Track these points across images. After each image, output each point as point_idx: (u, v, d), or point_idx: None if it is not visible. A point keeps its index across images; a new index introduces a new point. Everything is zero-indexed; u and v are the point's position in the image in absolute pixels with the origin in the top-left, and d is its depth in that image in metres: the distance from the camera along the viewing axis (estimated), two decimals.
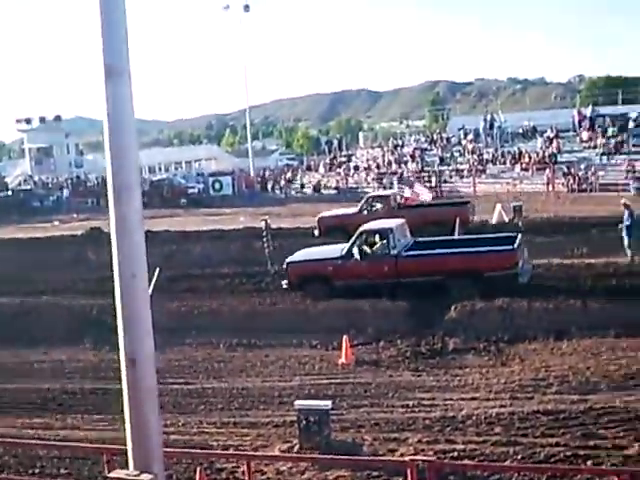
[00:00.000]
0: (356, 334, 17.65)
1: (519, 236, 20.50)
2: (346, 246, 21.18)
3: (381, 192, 34.92)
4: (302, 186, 52.59)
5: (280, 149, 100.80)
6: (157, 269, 6.58)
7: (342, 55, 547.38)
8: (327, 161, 57.79)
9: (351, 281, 20.42)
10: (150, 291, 5.95)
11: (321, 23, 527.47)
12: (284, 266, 21.51)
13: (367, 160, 54.20)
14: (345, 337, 16.55)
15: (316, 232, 28.80)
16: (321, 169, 56.15)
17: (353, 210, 30.09)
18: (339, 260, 20.89)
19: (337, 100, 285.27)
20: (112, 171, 5.82)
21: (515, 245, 19.73)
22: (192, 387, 15.29)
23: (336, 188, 49.42)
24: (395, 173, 47.73)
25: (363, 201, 30.40)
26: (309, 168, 59.55)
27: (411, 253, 20.88)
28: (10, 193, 57.55)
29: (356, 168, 52.74)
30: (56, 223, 42.44)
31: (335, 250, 21.55)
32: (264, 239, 24.81)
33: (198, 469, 10.08)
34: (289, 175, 55.94)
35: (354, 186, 48.82)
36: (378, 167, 51.04)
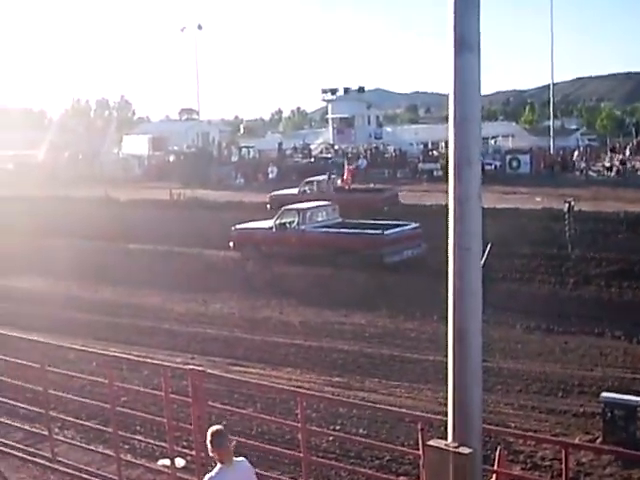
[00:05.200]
0: None
1: (410, 225, 24.53)
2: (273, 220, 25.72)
3: (315, 177, 37.49)
4: (609, 169, 49.83)
5: (581, 129, 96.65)
6: (489, 244, 6.52)
7: None
8: (634, 143, 54.62)
9: (273, 248, 25.07)
10: (482, 265, 5.93)
11: None
12: (232, 230, 26.08)
13: None
14: None
15: (268, 207, 33.26)
16: (627, 152, 53.18)
17: (294, 192, 34.88)
18: (266, 231, 25.53)
19: None
20: (455, 144, 5.83)
21: (386, 231, 23.53)
22: (488, 365, 14.99)
23: None
24: None
25: (301, 185, 35.66)
26: (613, 150, 56.58)
27: (312, 230, 25.00)
28: (312, 160, 60.23)
29: None
30: None
31: (268, 223, 25.80)
32: (566, 222, 24.00)
33: (498, 448, 9.95)
34: (590, 156, 53.45)
35: None
36: None
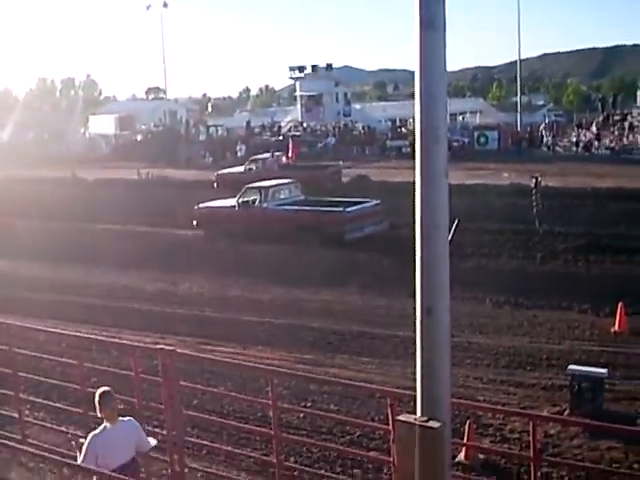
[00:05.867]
0: (631, 302, 16.75)
1: (368, 202, 24.87)
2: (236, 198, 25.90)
3: (259, 156, 38.52)
4: (576, 144, 50.20)
5: (548, 105, 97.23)
6: (456, 220, 6.56)
7: (614, 8, 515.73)
8: (600, 119, 55.04)
9: (236, 226, 24.96)
10: (449, 241, 5.97)
11: None
12: (195, 208, 26.29)
13: None
14: (620, 304, 15.81)
15: (215, 185, 34.53)
16: (593, 127, 53.60)
17: (241, 169, 36.15)
18: (229, 209, 25.74)
19: (610, 55, 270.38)
20: (421, 121, 5.83)
21: (347, 208, 23.88)
22: (457, 340, 15.08)
23: (610, 148, 46.98)
24: None
25: (247, 162, 36.75)
26: (580, 125, 56.97)
27: (274, 208, 25.28)
28: (281, 138, 60.04)
29: (631, 127, 49.86)
30: None
31: (231, 201, 26.01)
32: (533, 197, 24.20)
33: (468, 422, 10.11)
34: (556, 132, 53.85)
35: (629, 147, 46.20)
36: None
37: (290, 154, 42.14)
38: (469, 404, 9.89)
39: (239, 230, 24.83)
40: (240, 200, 25.71)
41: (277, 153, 39.32)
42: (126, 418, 7.46)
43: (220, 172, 36.76)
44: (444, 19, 5.76)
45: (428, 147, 5.82)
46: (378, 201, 25.04)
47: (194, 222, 26.08)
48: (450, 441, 6.10)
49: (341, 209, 24.08)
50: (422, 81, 5.77)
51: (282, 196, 26.26)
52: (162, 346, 8.86)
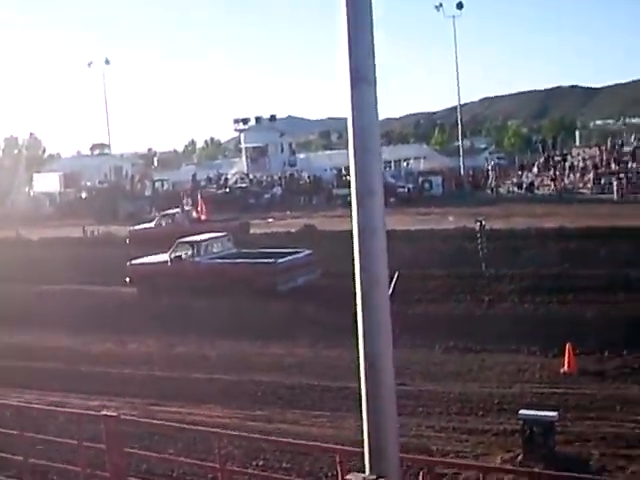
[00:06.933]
0: (577, 342, 16.91)
1: (303, 252, 25.02)
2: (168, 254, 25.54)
3: (169, 211, 38.85)
4: (519, 186, 50.97)
5: (490, 148, 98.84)
6: (396, 273, 6.53)
7: (553, 50, 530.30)
8: (541, 160, 56.14)
9: (170, 282, 24.70)
10: (390, 294, 5.92)
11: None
12: (127, 265, 26.07)
13: (583, 159, 52.18)
14: (568, 345, 15.93)
15: (127, 241, 34.93)
16: (534, 169, 54.64)
17: (152, 225, 36.57)
18: (161, 265, 25.42)
19: (548, 97, 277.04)
20: (356, 175, 5.79)
21: (279, 260, 24.04)
22: (408, 389, 15.06)
23: (551, 189, 47.85)
24: (613, 173, 45.64)
25: (157, 218, 37.29)
26: (522, 167, 58.03)
27: (207, 262, 25.12)
28: (228, 190, 60.01)
29: (572, 168, 50.92)
30: (270, 220, 43.81)
31: (163, 257, 25.74)
32: (478, 240, 24.43)
33: (421, 473, 9.96)
34: (499, 174, 54.68)
35: (569, 187, 47.13)
36: (596, 167, 48.95)
37: (200, 208, 42.11)
38: (418, 459, 9.77)
39: (172, 285, 24.66)
40: (172, 255, 25.59)
41: (187, 208, 39.80)
42: None
43: (132, 228, 37.22)
44: (374, 72, 5.79)
45: (364, 200, 5.80)
46: (310, 251, 25.30)
47: (127, 279, 25.90)
48: None
49: (272, 260, 24.23)
50: (355, 136, 5.77)
51: (215, 249, 26.26)
52: (105, 412, 8.60)
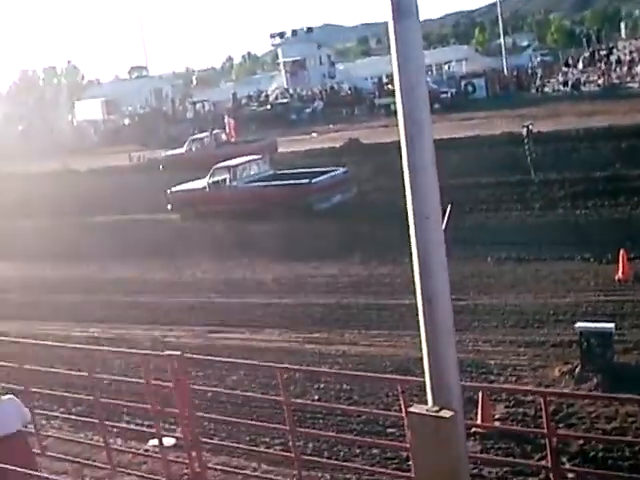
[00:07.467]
0: (632, 247, 16.69)
1: (338, 170, 24.95)
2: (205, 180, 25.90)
3: (198, 135, 38.96)
4: (565, 84, 49.62)
5: (533, 44, 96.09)
6: (449, 206, 6.47)
7: None
8: (586, 55, 54.52)
9: (209, 207, 25.18)
10: (444, 229, 5.92)
11: None
12: (168, 192, 26.43)
13: (630, 52, 50.58)
14: (622, 250, 15.74)
15: (161, 167, 35.52)
16: (580, 64, 53.13)
17: (182, 151, 36.53)
18: (200, 191, 25.81)
19: None
20: (403, 113, 5.77)
21: (313, 179, 23.94)
22: (463, 303, 15.03)
23: (598, 85, 46.57)
24: None
25: (187, 143, 36.83)
26: (567, 64, 56.43)
27: (243, 186, 25.37)
28: (269, 107, 59.59)
29: (618, 61, 49.41)
30: (314, 135, 43.49)
31: (202, 182, 26.11)
32: (526, 146, 24.07)
33: (481, 392, 10.12)
34: (544, 73, 53.30)
35: (616, 81, 45.81)
36: None
37: (228, 130, 41.83)
38: (478, 386, 9.96)
39: (212, 210, 24.99)
40: (210, 181, 25.81)
41: (216, 131, 39.27)
42: (8, 396, 8.66)
43: (165, 154, 37.57)
44: (416, 6, 5.68)
45: (413, 139, 5.77)
46: (345, 169, 25.25)
47: (169, 206, 26.37)
48: (464, 429, 6.12)
49: (307, 181, 24.22)
50: (401, 72, 5.71)
51: (252, 172, 26.33)
52: (170, 352, 8.82)
